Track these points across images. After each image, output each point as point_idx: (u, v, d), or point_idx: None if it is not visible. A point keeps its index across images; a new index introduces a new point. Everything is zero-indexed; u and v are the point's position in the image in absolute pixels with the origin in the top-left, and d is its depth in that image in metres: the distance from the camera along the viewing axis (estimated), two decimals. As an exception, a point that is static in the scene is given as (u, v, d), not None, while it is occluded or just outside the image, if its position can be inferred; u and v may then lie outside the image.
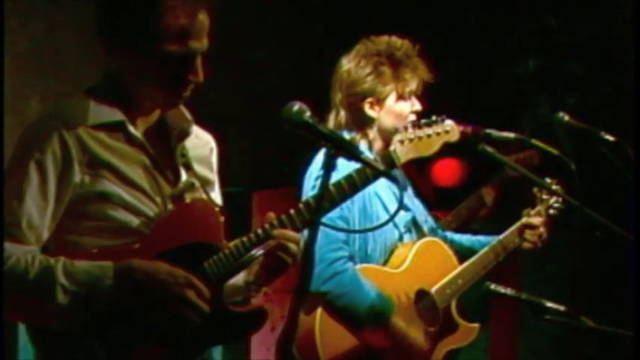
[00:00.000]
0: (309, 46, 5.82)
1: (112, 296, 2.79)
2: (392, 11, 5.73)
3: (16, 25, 5.02)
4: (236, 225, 3.12)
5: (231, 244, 2.99)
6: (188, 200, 3.00)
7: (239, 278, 3.04)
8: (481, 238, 4.30)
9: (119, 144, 2.93)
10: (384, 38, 4.05)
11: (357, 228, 3.94)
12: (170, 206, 2.96)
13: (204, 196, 3.03)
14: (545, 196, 4.31)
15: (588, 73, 6.11)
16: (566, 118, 3.81)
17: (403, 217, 4.08)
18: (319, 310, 3.89)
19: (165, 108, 3.02)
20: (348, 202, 3.63)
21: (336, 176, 2.92)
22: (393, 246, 4.05)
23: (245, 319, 3.02)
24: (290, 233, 3.00)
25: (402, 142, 3.55)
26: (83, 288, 2.78)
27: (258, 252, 2.98)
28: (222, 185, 3.17)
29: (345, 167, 3.02)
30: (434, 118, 3.63)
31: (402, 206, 2.88)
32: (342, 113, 4.05)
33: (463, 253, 4.20)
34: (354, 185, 3.22)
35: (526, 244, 4.26)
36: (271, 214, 3.04)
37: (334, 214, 3.63)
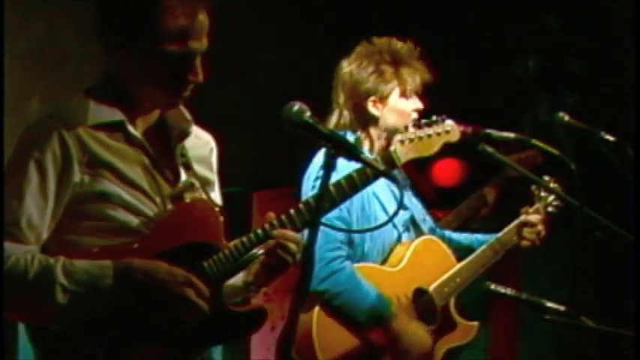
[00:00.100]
0: (309, 46, 5.82)
1: (112, 295, 2.79)
2: (392, 11, 5.73)
3: (16, 25, 5.02)
4: (236, 225, 3.12)
5: (231, 244, 2.99)
6: (188, 200, 3.00)
7: (238, 279, 3.04)
8: (479, 236, 4.31)
9: (119, 144, 2.93)
10: (385, 39, 4.09)
11: (355, 228, 3.94)
12: (170, 206, 2.96)
13: (203, 196, 3.03)
14: (543, 194, 4.32)
15: (588, 73, 6.11)
16: (566, 118, 3.81)
17: (402, 217, 4.08)
18: (316, 310, 3.89)
19: (165, 108, 3.02)
20: (347, 203, 3.64)
21: (335, 176, 2.92)
22: (391, 246, 4.06)
23: (245, 319, 3.02)
24: (290, 233, 3.00)
25: (402, 142, 3.56)
26: (83, 287, 2.78)
27: (257, 252, 2.98)
28: (222, 185, 3.17)
29: (344, 167, 3.02)
30: (434, 118, 3.64)
31: (401, 206, 2.88)
32: (346, 114, 4.08)
33: (462, 252, 4.21)
34: (353, 185, 3.22)
35: (524, 242, 4.26)
36: (271, 214, 3.04)
37: (332, 214, 3.64)
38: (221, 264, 2.95)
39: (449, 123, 3.67)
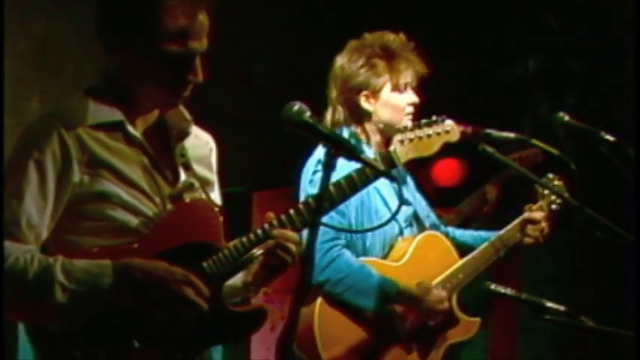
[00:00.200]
0: (309, 47, 5.82)
1: (111, 294, 2.79)
2: (392, 11, 5.72)
3: (16, 25, 5.02)
4: (236, 225, 3.12)
5: (231, 244, 2.99)
6: (187, 200, 3.00)
7: (237, 279, 3.04)
8: (483, 233, 4.31)
9: (118, 144, 2.93)
10: (377, 33, 4.06)
11: (353, 220, 3.93)
12: (169, 206, 2.96)
13: (203, 196, 3.03)
14: (547, 191, 4.31)
15: (588, 73, 6.11)
16: (566, 118, 3.80)
17: (404, 212, 4.08)
18: (318, 303, 3.88)
19: (165, 108, 3.02)
20: None
21: (334, 176, 2.91)
22: (393, 241, 4.06)
23: (244, 318, 3.02)
24: (289, 233, 3.00)
25: (402, 142, 3.55)
26: (82, 286, 2.78)
27: (257, 252, 2.98)
28: (222, 185, 3.17)
29: (344, 167, 3.02)
30: (434, 118, 3.64)
31: (402, 203, 2.87)
32: (339, 109, 4.06)
33: (465, 249, 4.21)
34: (353, 185, 3.22)
35: (527, 240, 4.26)
36: (271, 214, 3.04)
37: None
38: (220, 264, 2.95)
39: (449, 123, 3.66)
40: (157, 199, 2.95)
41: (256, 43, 5.82)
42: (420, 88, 4.09)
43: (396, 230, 4.06)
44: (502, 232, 4.24)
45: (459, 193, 5.64)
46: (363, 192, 3.85)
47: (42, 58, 5.24)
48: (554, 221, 4.32)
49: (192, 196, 3.01)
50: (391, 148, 3.56)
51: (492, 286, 3.64)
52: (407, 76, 4.02)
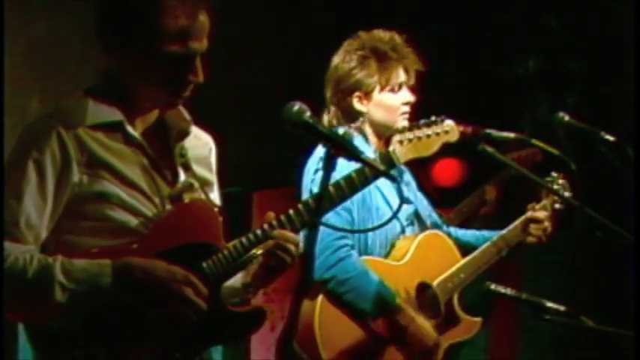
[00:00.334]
0: (309, 46, 5.82)
1: (111, 294, 2.80)
2: (392, 11, 5.73)
3: (16, 25, 5.02)
4: (236, 225, 3.12)
5: (230, 244, 2.99)
6: (187, 200, 2.99)
7: (236, 280, 3.04)
8: (485, 233, 4.30)
9: (117, 144, 2.93)
10: (370, 32, 4.04)
11: (356, 218, 3.93)
12: (168, 206, 2.96)
13: (202, 196, 3.02)
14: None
15: (588, 73, 6.11)
16: (566, 118, 3.80)
17: (405, 210, 4.07)
18: (319, 301, 3.87)
19: (165, 108, 3.02)
20: None
21: (334, 175, 2.91)
22: (394, 239, 4.05)
23: (244, 319, 3.02)
24: (289, 234, 2.99)
25: (401, 142, 3.55)
26: (82, 286, 2.78)
27: (257, 252, 2.98)
28: (222, 185, 3.17)
29: (344, 167, 3.01)
30: (433, 118, 3.63)
31: (403, 202, 2.86)
32: (333, 110, 4.05)
33: (467, 249, 4.20)
34: (353, 186, 3.21)
35: (530, 239, 4.25)
36: (270, 214, 3.04)
37: None
38: (220, 264, 2.95)
39: (448, 123, 3.65)
40: (157, 200, 2.95)
41: (256, 43, 5.82)
42: (420, 88, 4.08)
43: (398, 229, 4.05)
44: (505, 231, 4.24)
45: (459, 193, 5.64)
46: (365, 190, 3.86)
47: (42, 58, 5.24)
48: (557, 221, 4.32)
49: (192, 197, 3.01)
50: (390, 149, 3.56)
51: (492, 286, 3.64)
52: (400, 76, 4.00)
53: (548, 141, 3.76)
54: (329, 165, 2.68)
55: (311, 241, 2.68)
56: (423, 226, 4.15)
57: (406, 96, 4.02)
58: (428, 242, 4.09)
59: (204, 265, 2.93)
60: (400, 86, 4.02)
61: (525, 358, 6.59)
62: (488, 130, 3.79)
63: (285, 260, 2.98)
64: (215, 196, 3.10)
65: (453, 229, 4.35)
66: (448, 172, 6.40)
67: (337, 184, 3.16)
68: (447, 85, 5.65)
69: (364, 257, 3.97)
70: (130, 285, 2.81)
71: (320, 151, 3.92)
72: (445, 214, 5.29)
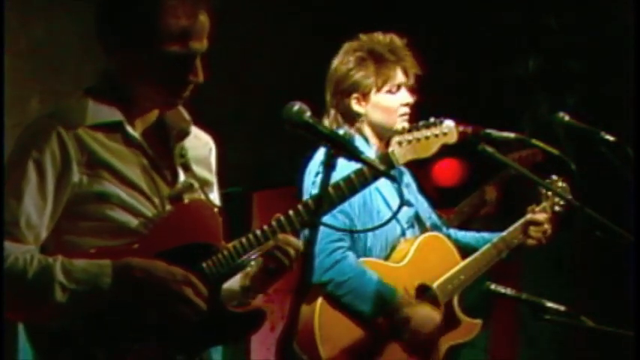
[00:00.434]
0: (309, 46, 5.81)
1: (111, 294, 2.79)
2: (392, 11, 5.73)
3: (16, 25, 5.02)
4: (236, 225, 3.12)
5: (230, 244, 2.99)
6: (186, 201, 2.99)
7: (235, 283, 3.04)
8: (485, 235, 4.30)
9: (117, 144, 2.93)
10: (369, 34, 4.05)
11: (356, 220, 3.93)
12: (168, 207, 2.96)
13: (202, 196, 3.02)
14: (550, 193, 4.31)
15: (588, 73, 6.11)
16: (566, 118, 3.80)
17: (405, 213, 4.07)
18: (319, 302, 3.88)
19: (165, 108, 3.02)
20: None
21: (334, 176, 2.91)
22: (394, 242, 4.05)
23: (244, 319, 3.02)
24: (290, 238, 3.00)
25: (400, 143, 3.55)
26: (82, 286, 2.78)
27: (256, 253, 2.98)
28: (222, 186, 3.17)
29: (344, 167, 3.01)
30: (432, 120, 3.63)
31: (403, 203, 2.86)
32: (333, 112, 4.06)
33: (467, 251, 4.20)
34: (352, 187, 3.21)
35: (530, 241, 4.25)
36: (277, 216, 3.04)
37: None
38: (220, 265, 2.95)
39: (447, 125, 3.64)
40: (156, 200, 2.95)
41: (256, 43, 5.82)
42: (420, 88, 4.08)
43: (398, 231, 4.06)
44: (505, 233, 4.24)
45: (459, 194, 5.64)
46: (365, 192, 3.86)
47: (42, 58, 5.24)
48: (557, 223, 4.32)
49: (192, 197, 3.01)
50: (389, 150, 3.56)
51: (492, 287, 3.64)
52: (398, 77, 4.01)
53: (548, 141, 3.76)
54: (329, 165, 2.68)
55: (310, 241, 2.68)
56: (423, 229, 4.15)
57: (405, 97, 4.02)
58: (428, 244, 4.09)
59: (204, 265, 2.93)
60: (398, 87, 4.02)
61: (525, 358, 6.59)
62: (488, 130, 3.79)
63: (284, 263, 2.98)
64: (215, 197, 3.10)
65: (452, 231, 4.35)
66: (448, 172, 6.40)
67: (337, 185, 3.16)
68: (447, 85, 5.65)
69: (364, 259, 3.97)
70: (130, 285, 2.81)
71: (320, 154, 3.92)
72: (445, 214, 5.30)
